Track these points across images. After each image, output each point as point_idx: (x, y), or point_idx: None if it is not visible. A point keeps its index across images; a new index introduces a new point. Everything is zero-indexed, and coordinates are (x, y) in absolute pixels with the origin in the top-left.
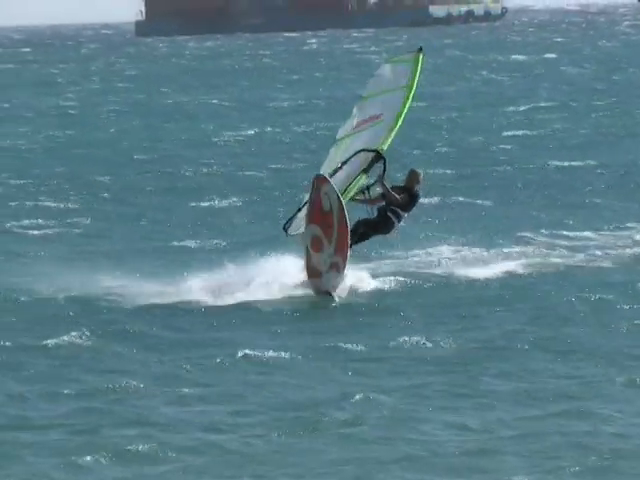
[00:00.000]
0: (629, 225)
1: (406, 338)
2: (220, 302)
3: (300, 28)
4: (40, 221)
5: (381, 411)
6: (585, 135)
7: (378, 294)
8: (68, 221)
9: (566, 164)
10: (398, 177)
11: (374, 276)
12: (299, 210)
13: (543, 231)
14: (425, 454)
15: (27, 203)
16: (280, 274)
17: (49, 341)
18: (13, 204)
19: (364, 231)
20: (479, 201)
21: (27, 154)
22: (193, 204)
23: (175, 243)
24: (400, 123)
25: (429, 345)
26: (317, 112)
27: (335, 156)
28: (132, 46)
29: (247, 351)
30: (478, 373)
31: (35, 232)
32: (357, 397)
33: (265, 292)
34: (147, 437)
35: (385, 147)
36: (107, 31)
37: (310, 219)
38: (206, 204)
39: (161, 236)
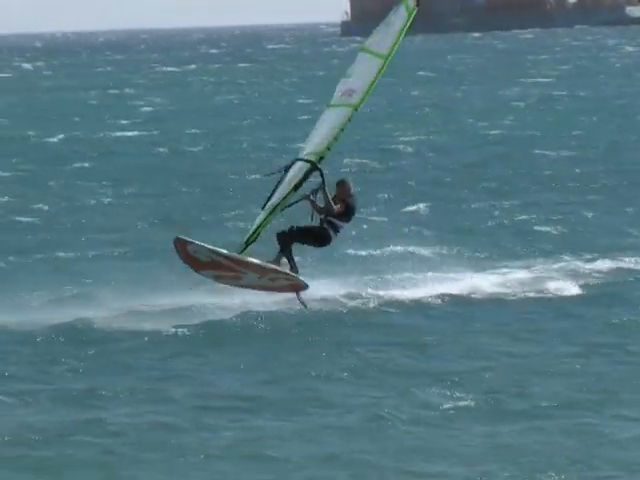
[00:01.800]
0: None
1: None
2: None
3: (500, 28)
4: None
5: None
6: None
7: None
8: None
9: None
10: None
11: (472, 288)
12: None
13: None
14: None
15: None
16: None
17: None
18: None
19: (298, 236)
20: (589, 210)
21: (163, 155)
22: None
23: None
24: (345, 127)
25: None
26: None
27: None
28: (333, 46)
29: (359, 349)
30: (568, 385)
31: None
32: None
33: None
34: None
35: (330, 147)
36: (312, 32)
37: (196, 269)
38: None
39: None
